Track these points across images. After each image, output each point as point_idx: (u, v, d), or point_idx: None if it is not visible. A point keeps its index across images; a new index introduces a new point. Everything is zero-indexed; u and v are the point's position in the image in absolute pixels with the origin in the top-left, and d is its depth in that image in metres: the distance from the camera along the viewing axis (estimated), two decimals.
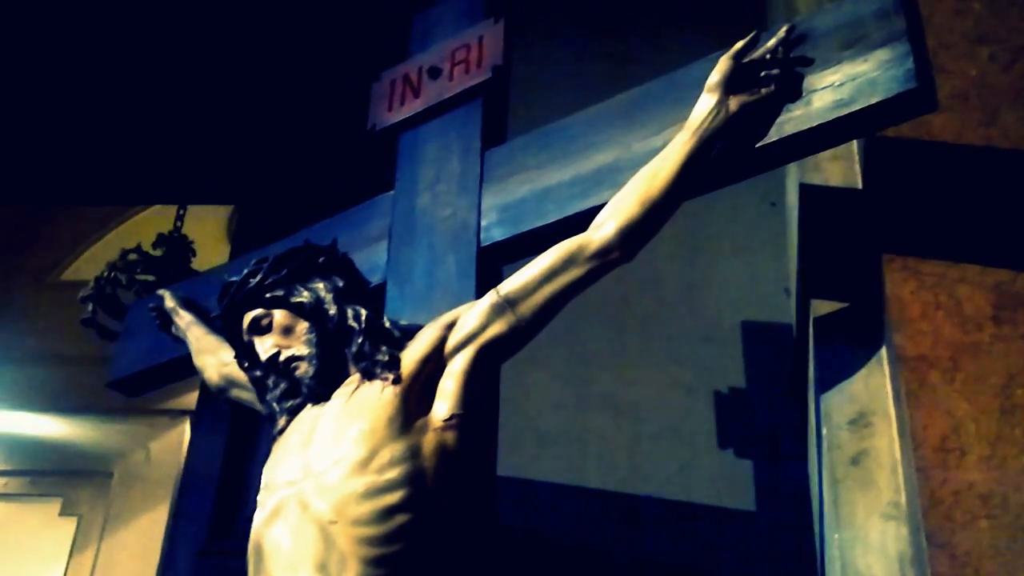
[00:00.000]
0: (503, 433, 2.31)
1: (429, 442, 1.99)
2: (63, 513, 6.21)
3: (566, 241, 2.09)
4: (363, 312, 2.16)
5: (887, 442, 2.05)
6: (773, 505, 2.87)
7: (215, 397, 3.75)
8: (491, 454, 2.22)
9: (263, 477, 2.08)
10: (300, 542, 1.89)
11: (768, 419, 2.97)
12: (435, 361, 2.07)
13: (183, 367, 2.75)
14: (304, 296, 2.17)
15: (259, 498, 2.04)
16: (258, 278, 2.20)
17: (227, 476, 3.55)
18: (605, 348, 3.24)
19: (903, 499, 1.99)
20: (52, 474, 6.28)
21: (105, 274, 3.24)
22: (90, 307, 3.12)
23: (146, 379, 2.88)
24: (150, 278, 3.20)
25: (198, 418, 4.03)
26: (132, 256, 3.34)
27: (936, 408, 1.89)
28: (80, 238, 6.79)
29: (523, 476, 2.99)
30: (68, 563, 6.00)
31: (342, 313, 2.16)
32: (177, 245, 3.61)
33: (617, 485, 3.00)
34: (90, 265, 6.06)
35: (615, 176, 2.17)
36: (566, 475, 3.05)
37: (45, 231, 6.86)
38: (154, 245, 3.51)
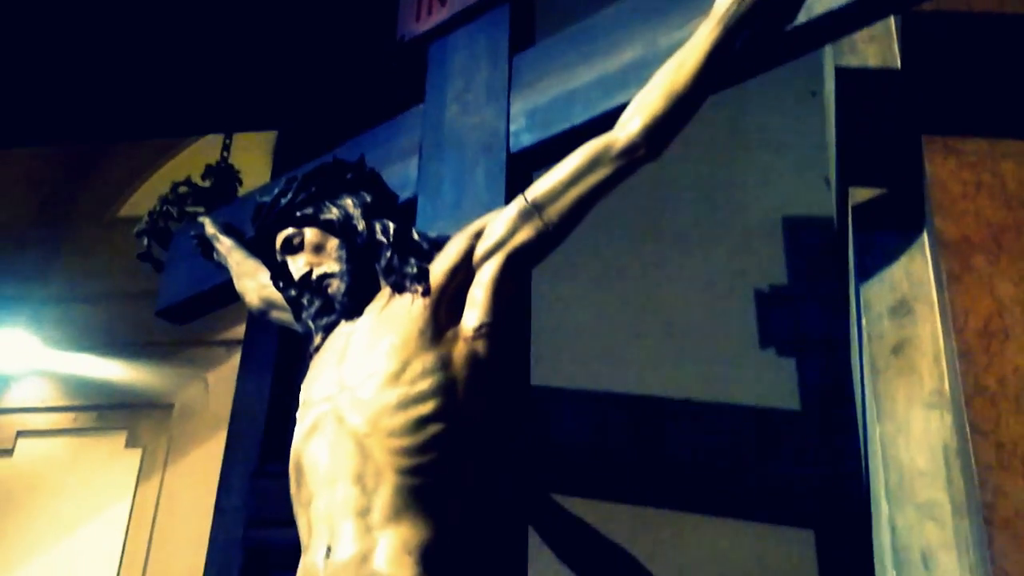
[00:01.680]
0: (537, 343, 2.31)
1: (460, 352, 2.00)
2: (128, 445, 6.40)
3: (591, 141, 2.06)
4: (391, 226, 2.16)
5: (929, 329, 2.02)
6: (815, 402, 2.85)
7: (263, 327, 3.84)
8: (523, 363, 2.23)
9: (301, 394, 2.11)
10: (337, 455, 1.93)
11: (808, 315, 2.93)
12: (464, 271, 2.07)
13: (227, 293, 2.79)
14: (333, 213, 2.18)
15: (298, 415, 2.08)
16: (287, 197, 2.21)
17: (276, 402, 3.62)
18: (640, 251, 3.19)
19: (946, 387, 1.96)
20: (117, 408, 6.45)
21: (157, 208, 3.28)
22: (145, 241, 3.17)
23: (192, 307, 2.93)
24: (200, 209, 3.23)
25: (248, 347, 4.11)
26: (182, 189, 3.37)
27: (979, 291, 1.84)
28: (134, 175, 6.88)
29: (558, 386, 3.00)
30: (135, 492, 6.19)
31: (371, 228, 2.16)
32: (224, 175, 3.64)
33: (655, 390, 2.99)
34: (145, 201, 6.13)
35: (642, 72, 2.12)
36: (603, 383, 3.04)
37: (99, 170, 6.96)
38: (202, 176, 3.54)
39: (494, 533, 2.03)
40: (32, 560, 6.21)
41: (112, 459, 6.41)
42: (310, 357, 2.18)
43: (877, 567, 2.20)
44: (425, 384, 1.94)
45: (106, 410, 6.44)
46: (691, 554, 2.82)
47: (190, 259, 2.91)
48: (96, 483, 6.32)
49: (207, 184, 3.50)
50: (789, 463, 2.84)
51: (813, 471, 2.80)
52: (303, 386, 2.12)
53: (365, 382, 1.97)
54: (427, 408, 1.92)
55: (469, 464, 1.97)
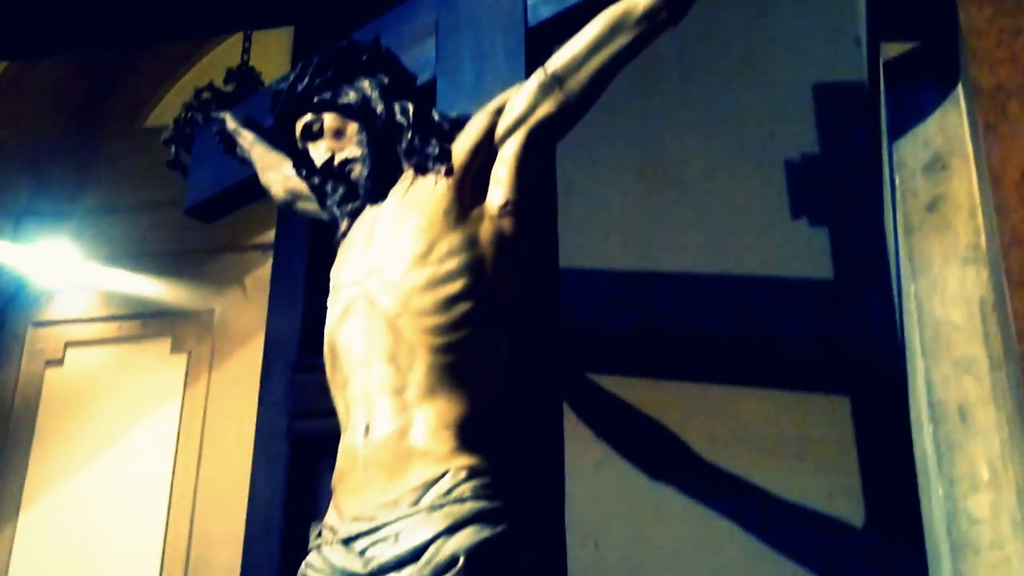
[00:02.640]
0: (565, 223, 2.27)
1: (486, 231, 1.98)
2: (173, 351, 6.49)
3: (610, 8, 1.99)
4: (410, 106, 2.11)
5: (964, 184, 1.95)
6: (849, 269, 2.80)
7: (292, 227, 3.82)
8: (551, 240, 2.20)
9: (331, 280, 2.10)
10: (370, 337, 1.92)
11: (840, 182, 2.86)
12: (486, 149, 2.03)
13: (253, 188, 2.76)
14: (351, 96, 2.13)
15: (329, 300, 2.07)
16: (304, 83, 2.16)
17: (311, 298, 3.62)
18: (668, 124, 3.11)
19: (982, 241, 1.91)
20: (159, 316, 6.52)
21: (182, 115, 3.26)
22: (172, 149, 3.15)
23: (220, 204, 2.91)
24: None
25: (279, 247, 4.10)
26: (205, 94, 3.34)
27: (1016, 141, 1.77)
28: (157, 85, 6.84)
29: (589, 267, 2.96)
30: (183, 395, 6.30)
31: (389, 109, 2.11)
32: (246, 78, 3.60)
33: (686, 266, 2.95)
34: (170, 110, 6.10)
35: None
36: (633, 261, 3.00)
37: (122, 83, 6.93)
38: (224, 81, 3.50)
39: (530, 409, 2.03)
40: (90, 464, 6.37)
41: (159, 365, 6.51)
42: (337, 244, 2.16)
43: (914, 424, 2.18)
44: (453, 263, 1.93)
45: (149, 318, 6.53)
46: (724, 426, 2.82)
47: (215, 156, 2.87)
48: (145, 389, 6.44)
49: (229, 88, 3.46)
50: (824, 332, 2.80)
51: (848, 338, 2.77)
52: (332, 272, 2.11)
53: (393, 264, 1.96)
54: (456, 287, 1.91)
55: (501, 340, 1.96)
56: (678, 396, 2.89)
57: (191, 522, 5.88)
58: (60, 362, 6.68)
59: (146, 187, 6.34)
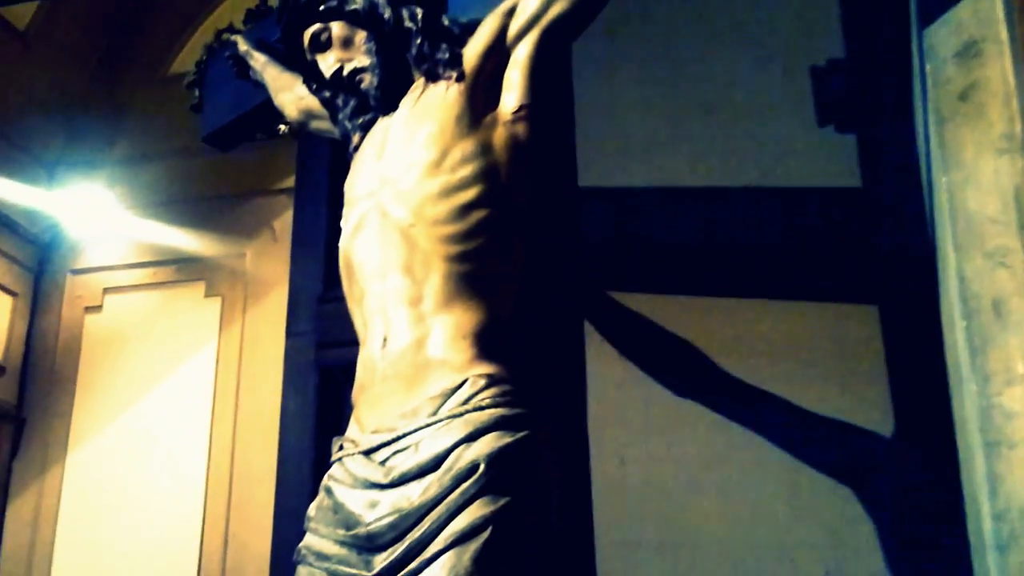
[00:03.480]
0: (585, 141, 2.18)
1: (500, 137, 1.88)
2: (207, 294, 6.50)
3: None
4: (419, 11, 2.01)
5: (998, 71, 1.82)
6: (878, 175, 2.67)
7: (313, 164, 3.75)
8: (568, 148, 2.10)
9: (345, 193, 2.03)
10: (385, 249, 1.85)
11: (869, 85, 2.72)
12: (498, 52, 1.93)
13: (268, 111, 2.68)
14: (357, 2, 2.04)
15: (343, 214, 2.00)
16: None
17: (334, 229, 3.55)
18: (688, 34, 2.98)
19: (1017, 130, 1.79)
20: (193, 260, 6.53)
21: (203, 58, 3.17)
22: (196, 93, 3.08)
23: (236, 130, 2.83)
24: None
25: (300, 185, 4.03)
26: (225, 36, 3.26)
27: None
28: (179, 31, 6.77)
29: (611, 184, 2.86)
30: (219, 337, 6.32)
31: (397, 15, 2.02)
32: (265, 17, 3.52)
33: (711, 178, 2.84)
34: (194, 55, 6.05)
35: None
36: (656, 177, 2.90)
37: (145, 31, 6.87)
38: (244, 22, 3.42)
39: (549, 319, 1.95)
40: (132, 405, 6.42)
41: (194, 309, 6.52)
42: (350, 158, 2.08)
43: (945, 323, 2.08)
44: (466, 171, 1.84)
45: (183, 264, 6.54)
46: (750, 340, 2.73)
47: (230, 83, 2.79)
48: (182, 332, 6.47)
49: (249, 28, 3.38)
50: (852, 240, 2.69)
51: (877, 246, 2.65)
52: (346, 186, 2.04)
53: (405, 174, 1.87)
54: (470, 194, 1.83)
55: (519, 249, 1.88)
56: (703, 312, 2.80)
57: (232, 456, 5.93)
58: (99, 308, 6.70)
59: (175, 134, 6.31)
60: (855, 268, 2.69)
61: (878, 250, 2.63)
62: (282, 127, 2.75)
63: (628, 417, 2.71)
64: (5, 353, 6.51)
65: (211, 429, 6.12)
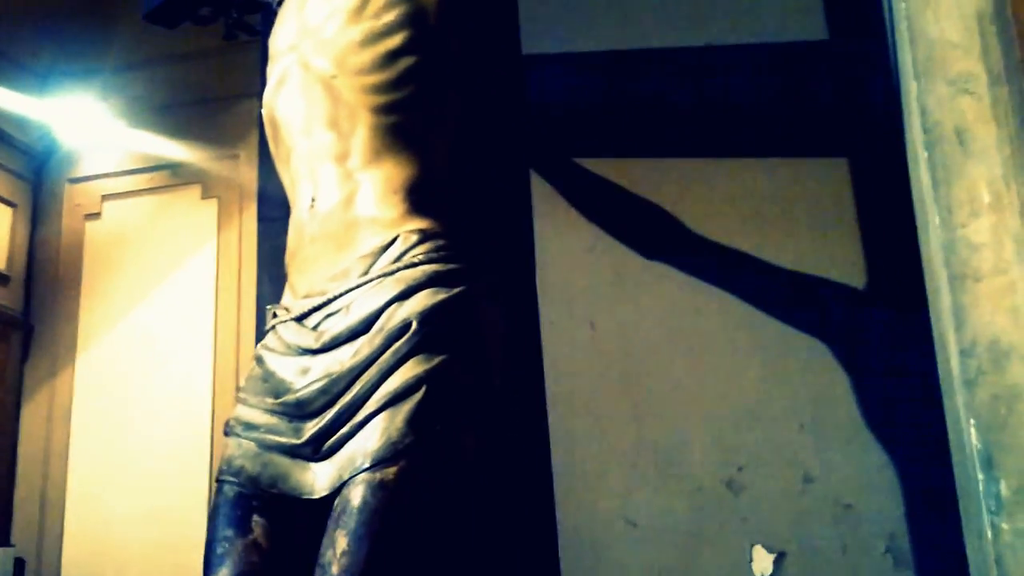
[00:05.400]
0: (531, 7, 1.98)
1: None
2: (204, 196, 6.37)
3: None
4: None
5: None
6: (846, 29, 2.47)
7: None
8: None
9: (268, 49, 1.85)
10: (309, 104, 1.68)
11: None
12: None
13: None
14: None
15: (266, 71, 1.83)
16: None
17: None
18: None
19: None
20: (188, 164, 6.42)
21: None
22: None
23: (176, 8, 2.64)
24: None
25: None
26: None
27: None
28: None
29: (569, 49, 2.65)
30: (218, 238, 6.21)
31: None
32: None
33: (674, 40, 2.63)
34: None
35: None
36: (621, 38, 2.69)
37: None
38: None
39: (490, 173, 1.79)
40: (136, 307, 6.36)
41: (192, 211, 6.40)
42: (274, 14, 1.90)
43: (909, 156, 1.91)
44: (390, 16, 1.66)
45: (178, 167, 6.41)
46: (720, 199, 2.57)
47: None
48: (181, 235, 6.37)
49: None
50: (818, 93, 2.51)
51: (843, 98, 2.47)
52: (269, 42, 1.85)
53: (326, 23, 1.69)
54: (395, 41, 1.64)
55: (453, 100, 1.71)
56: (672, 173, 2.64)
57: (236, 350, 5.87)
58: (98, 216, 6.60)
59: (165, 40, 6.09)
60: (824, 122, 2.51)
61: (846, 102, 2.44)
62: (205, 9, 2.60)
63: (599, 283, 2.57)
64: (9, 263, 6.44)
65: (215, 326, 6.06)
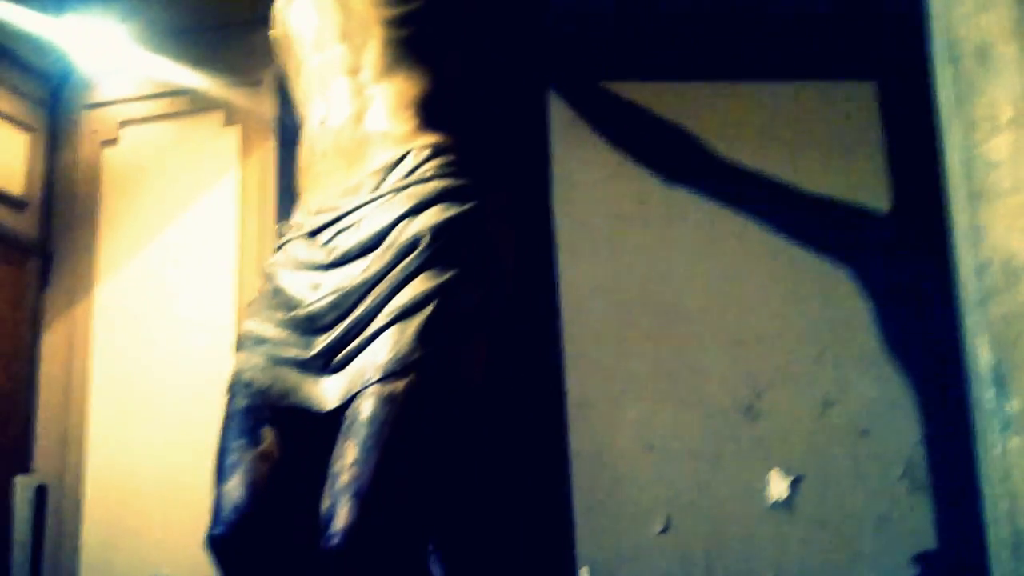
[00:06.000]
0: None
1: None
2: (227, 123, 6.36)
3: None
4: None
5: None
6: None
7: None
8: None
9: None
10: (320, 16, 1.70)
11: None
12: None
13: None
14: None
15: None
16: None
17: None
18: None
19: None
20: (210, 90, 6.38)
21: None
22: None
23: None
24: None
25: None
26: None
27: None
28: None
29: None
30: (241, 166, 6.22)
31: None
32: None
33: None
34: None
35: None
36: None
37: None
38: None
39: (505, 89, 1.81)
40: (155, 237, 6.40)
41: (213, 138, 6.39)
42: None
43: (932, 73, 1.89)
44: None
45: (199, 94, 6.38)
46: (744, 123, 2.57)
47: None
48: (202, 163, 6.36)
49: None
50: (845, 11, 2.48)
51: (871, 16, 2.44)
52: None
53: None
54: None
55: (465, 12, 1.72)
56: (696, 97, 2.63)
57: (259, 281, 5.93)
58: (115, 142, 6.62)
59: None
60: (850, 42, 2.49)
61: (874, 20, 2.42)
62: None
63: (620, 208, 2.59)
64: (27, 189, 6.51)
65: (237, 254, 6.10)
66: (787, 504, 2.35)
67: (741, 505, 2.41)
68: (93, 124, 6.65)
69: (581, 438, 2.33)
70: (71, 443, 6.25)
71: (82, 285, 6.41)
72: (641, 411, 2.46)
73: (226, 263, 6.18)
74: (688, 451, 2.45)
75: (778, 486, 2.40)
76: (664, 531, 2.34)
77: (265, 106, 6.23)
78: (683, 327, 2.54)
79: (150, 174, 6.44)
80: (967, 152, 1.54)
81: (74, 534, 6.14)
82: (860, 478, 2.40)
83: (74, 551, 6.17)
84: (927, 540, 2.24)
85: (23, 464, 6.16)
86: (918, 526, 2.26)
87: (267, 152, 6.11)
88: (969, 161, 1.54)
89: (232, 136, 6.36)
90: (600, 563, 2.32)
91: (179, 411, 6.08)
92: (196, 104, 6.43)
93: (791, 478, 2.38)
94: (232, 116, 6.32)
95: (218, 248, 6.22)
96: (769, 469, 2.42)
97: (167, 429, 6.07)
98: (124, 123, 6.56)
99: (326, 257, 1.60)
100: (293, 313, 1.59)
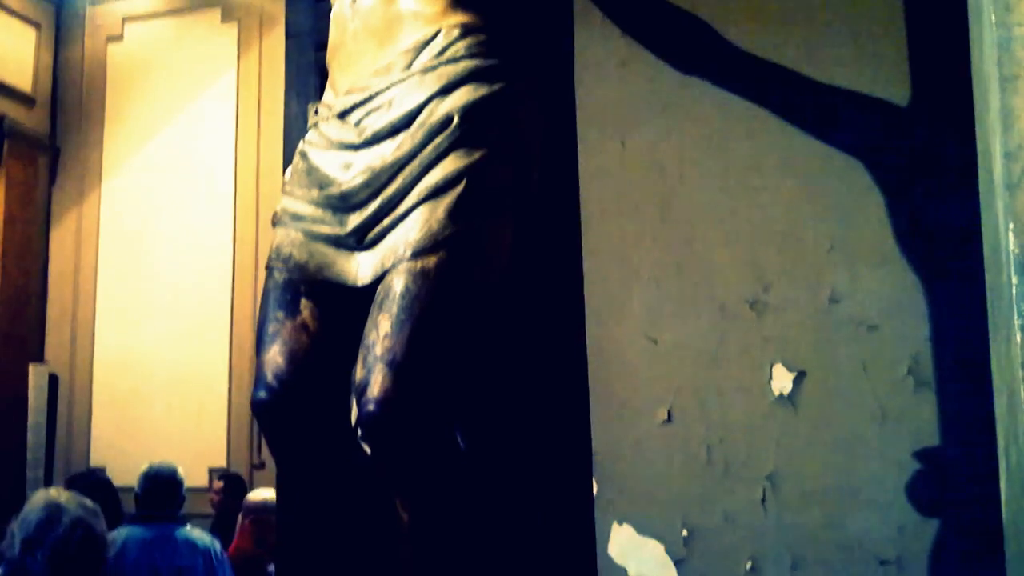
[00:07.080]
0: None
1: None
2: (224, 20, 6.25)
3: None
4: None
5: None
6: None
7: None
8: None
9: None
10: None
11: None
12: None
13: None
14: None
15: None
16: None
17: None
18: None
19: None
20: None
21: None
22: None
23: None
24: None
25: None
26: None
27: None
28: None
29: None
30: (238, 63, 6.13)
31: None
32: None
33: None
34: None
35: None
36: None
37: None
38: None
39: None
40: (159, 131, 6.34)
41: (212, 35, 6.31)
42: None
43: None
44: None
45: None
46: (763, 11, 2.48)
47: None
48: (202, 59, 6.29)
49: None
50: None
51: None
52: None
53: None
54: None
55: None
56: None
57: (256, 172, 5.90)
58: (120, 38, 6.51)
59: None
60: None
61: None
62: None
63: (630, 97, 2.51)
64: (34, 85, 6.39)
65: (236, 147, 6.08)
66: (790, 399, 2.34)
67: (744, 398, 2.40)
68: (98, 19, 6.53)
69: (587, 329, 2.31)
70: (80, 333, 6.27)
71: (90, 180, 6.36)
72: (647, 304, 2.42)
73: (226, 154, 6.15)
74: (692, 345, 2.43)
75: (782, 380, 2.39)
76: (667, 422, 2.33)
77: (263, 3, 6.09)
78: (691, 220, 2.49)
79: (153, 70, 6.35)
80: (1004, 32, 1.48)
81: (83, 418, 6.21)
82: (864, 373, 2.38)
83: (84, 435, 6.26)
84: (931, 437, 2.24)
85: (38, 354, 6.20)
86: (922, 423, 2.25)
87: (263, 49, 6.01)
88: (1006, 42, 1.48)
89: (230, 32, 6.27)
90: (602, 452, 2.32)
91: (182, 302, 6.10)
92: (194, 1, 6.31)
93: (795, 373, 2.36)
94: (229, 14, 6.21)
95: (218, 140, 6.18)
96: (774, 363, 2.40)
97: (171, 319, 6.10)
98: (128, 19, 6.44)
99: (357, 137, 1.58)
100: (327, 192, 1.59)
